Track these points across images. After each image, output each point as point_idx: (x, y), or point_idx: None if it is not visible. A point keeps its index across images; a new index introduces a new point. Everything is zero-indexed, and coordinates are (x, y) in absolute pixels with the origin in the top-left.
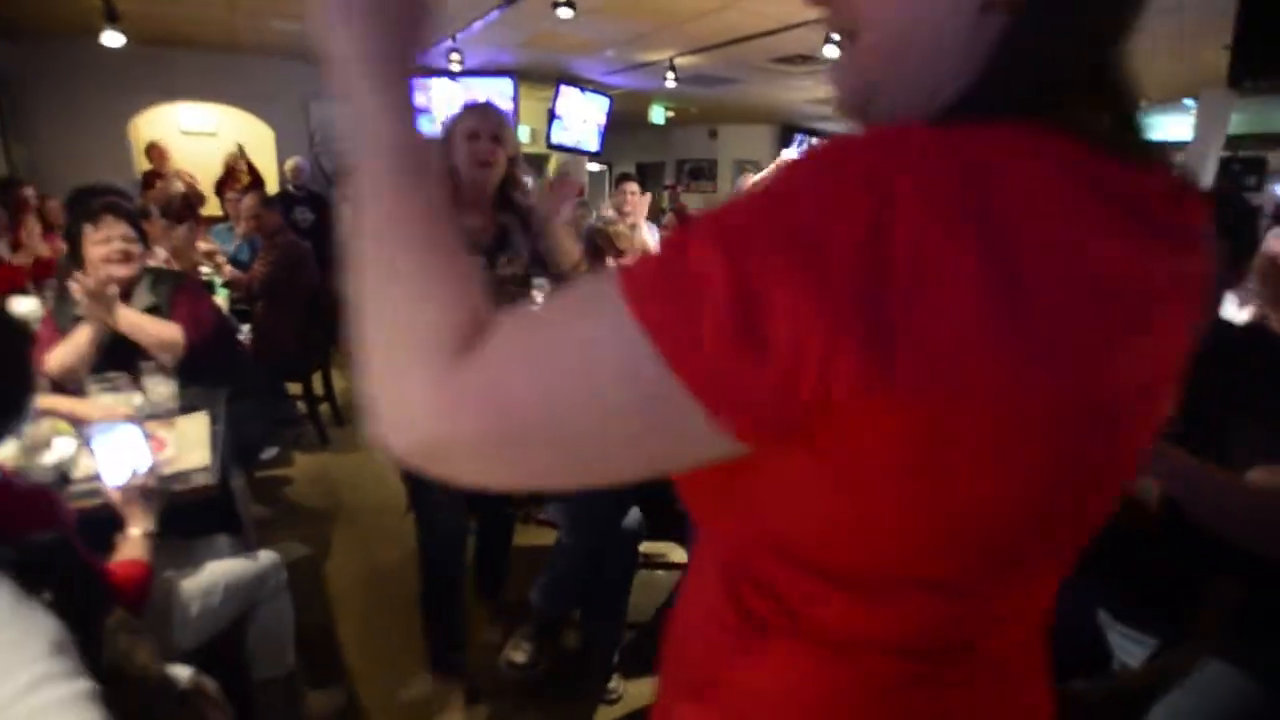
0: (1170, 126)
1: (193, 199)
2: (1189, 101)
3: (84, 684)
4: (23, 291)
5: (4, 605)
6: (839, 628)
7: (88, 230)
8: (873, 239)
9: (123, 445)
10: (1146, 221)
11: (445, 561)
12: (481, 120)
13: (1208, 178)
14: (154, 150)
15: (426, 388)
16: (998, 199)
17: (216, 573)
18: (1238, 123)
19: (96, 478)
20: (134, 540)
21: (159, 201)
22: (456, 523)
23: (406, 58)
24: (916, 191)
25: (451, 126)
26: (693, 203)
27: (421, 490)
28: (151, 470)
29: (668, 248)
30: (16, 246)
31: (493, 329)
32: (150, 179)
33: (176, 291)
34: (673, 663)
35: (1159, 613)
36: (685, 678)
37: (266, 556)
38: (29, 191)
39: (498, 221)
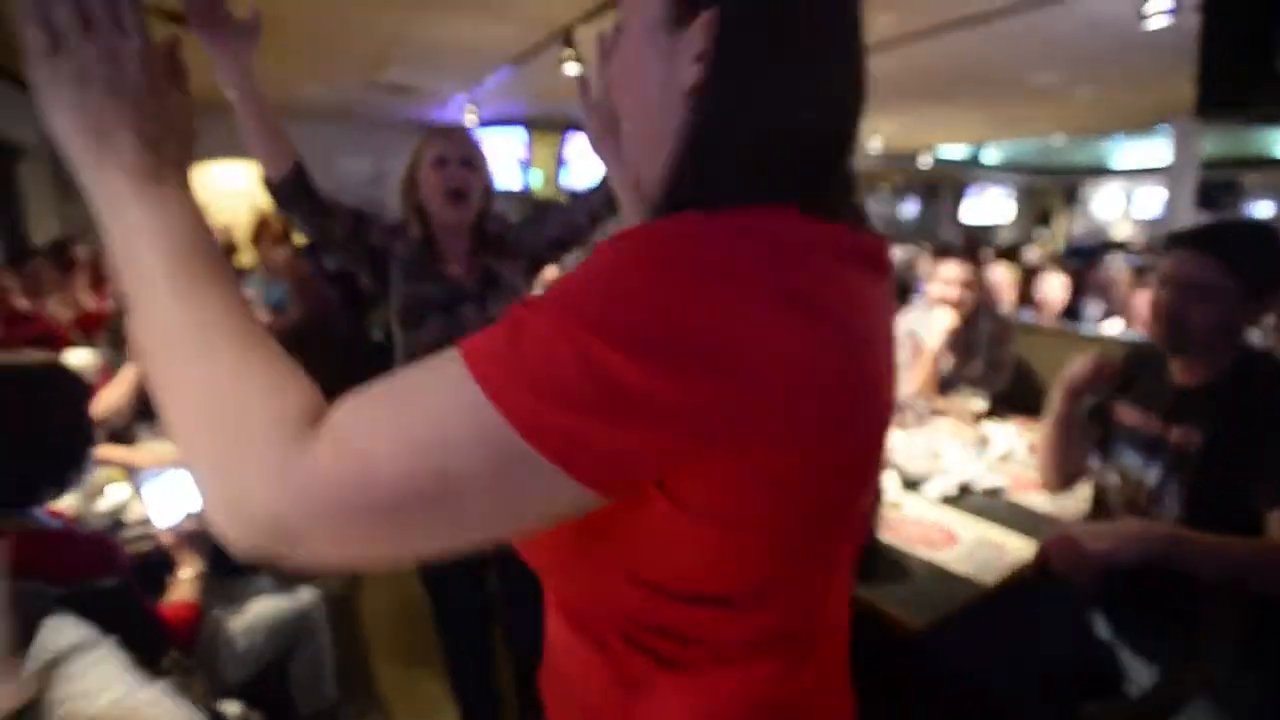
0: (1147, 152)
1: (227, 251)
2: (1165, 127)
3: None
4: (70, 345)
5: (84, 632)
6: (730, 642)
7: None
8: (717, 323)
9: (171, 490)
10: (877, 268)
11: (470, 647)
12: (448, 144)
13: (1186, 201)
14: None
15: (268, 475)
16: (801, 275)
17: (260, 610)
18: (1213, 146)
19: (148, 522)
20: (184, 582)
21: None
22: (473, 600)
23: (175, 167)
24: (748, 273)
25: (415, 154)
26: None
27: (437, 582)
28: (199, 514)
29: (510, 325)
30: (70, 304)
31: (333, 410)
32: None
33: None
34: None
35: (1168, 634)
36: None
37: (307, 594)
38: (79, 250)
39: (481, 264)
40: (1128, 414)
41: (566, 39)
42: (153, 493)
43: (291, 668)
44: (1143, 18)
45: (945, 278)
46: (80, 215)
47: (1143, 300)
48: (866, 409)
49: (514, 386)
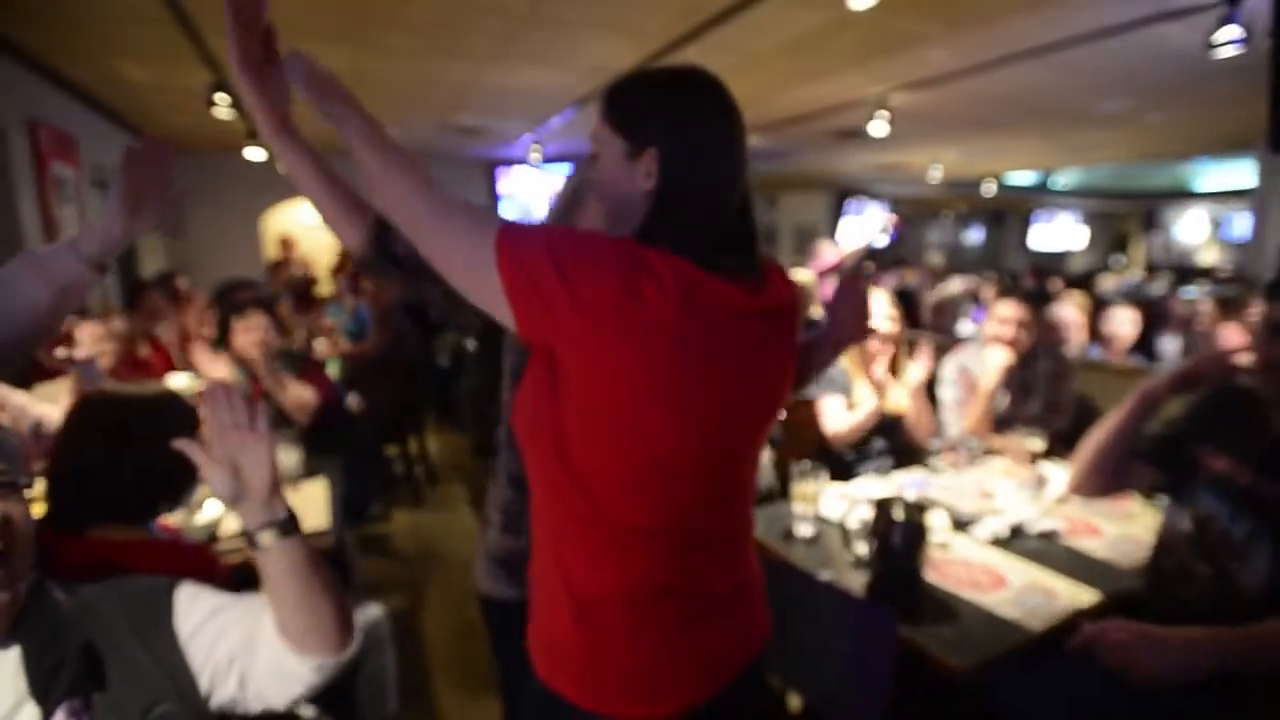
0: (1234, 173)
1: (309, 282)
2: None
3: None
4: (175, 369)
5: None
6: (619, 514)
7: (235, 321)
8: (628, 263)
9: None
10: (732, 301)
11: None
12: None
13: (1276, 227)
14: (285, 242)
15: (424, 201)
16: (662, 264)
17: None
18: None
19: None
20: None
21: (286, 287)
22: None
23: (348, 100)
24: (650, 254)
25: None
26: None
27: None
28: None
29: (525, 233)
30: (183, 333)
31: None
32: (275, 267)
33: (301, 370)
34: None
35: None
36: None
37: (374, 610)
38: (181, 281)
39: None
40: (1215, 460)
41: None
42: None
43: (358, 679)
44: (1212, 47)
45: (1002, 316)
46: (182, 251)
47: (1230, 335)
48: (676, 371)
49: (508, 242)
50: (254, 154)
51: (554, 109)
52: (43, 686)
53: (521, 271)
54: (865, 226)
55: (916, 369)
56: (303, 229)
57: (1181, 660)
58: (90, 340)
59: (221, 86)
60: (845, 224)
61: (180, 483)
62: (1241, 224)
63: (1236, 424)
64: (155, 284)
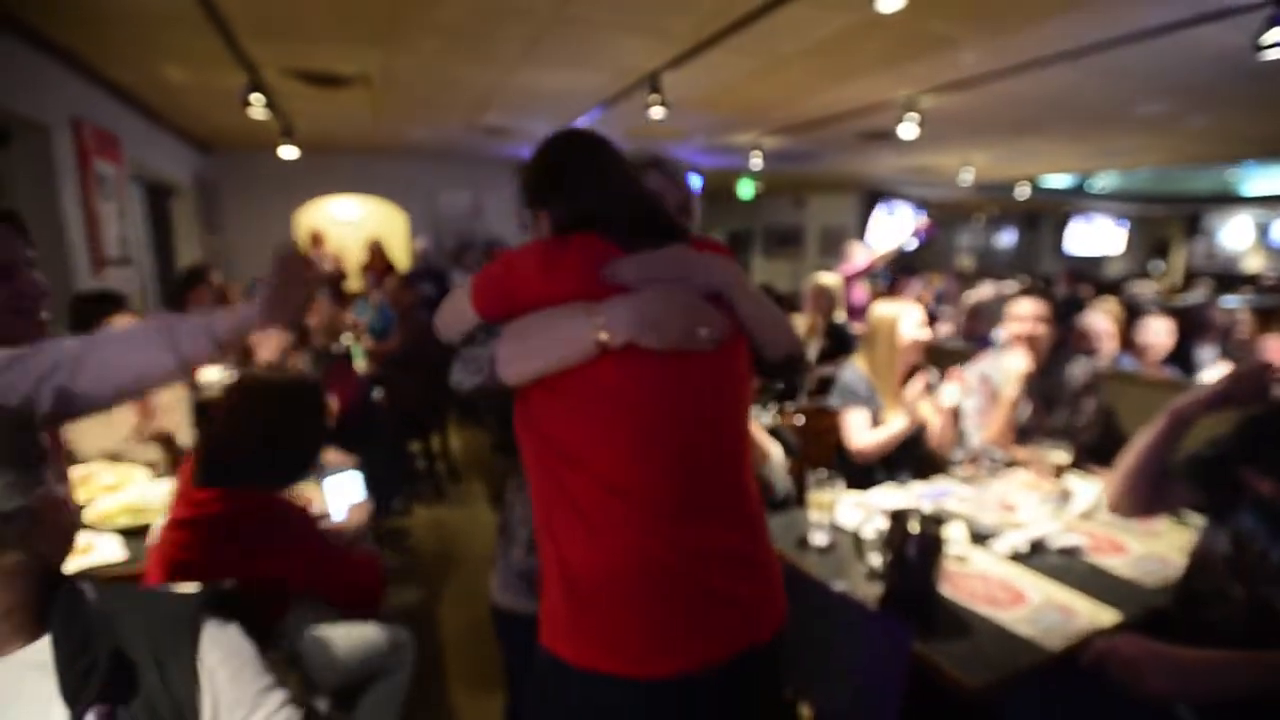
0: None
1: (338, 277)
2: None
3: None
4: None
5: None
6: (595, 475)
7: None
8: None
9: (345, 486)
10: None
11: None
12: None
13: None
14: (315, 236)
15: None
16: (571, 252)
17: (364, 633)
18: None
19: (325, 514)
20: None
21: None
22: None
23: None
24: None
25: None
26: (779, 269)
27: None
28: (364, 505)
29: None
30: None
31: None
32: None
33: (330, 370)
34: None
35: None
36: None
37: (403, 634)
38: (216, 276)
39: None
40: (1259, 481)
41: (653, 85)
42: (331, 488)
43: (368, 693)
44: (1260, 48)
45: (1018, 314)
46: (220, 245)
47: (1271, 346)
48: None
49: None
50: (287, 153)
51: (581, 109)
52: (73, 687)
53: (484, 279)
54: (896, 229)
55: (951, 390)
56: (332, 224)
57: (1200, 681)
58: None
59: (257, 88)
60: (874, 226)
61: (313, 456)
62: None
63: (1275, 446)
64: (192, 277)
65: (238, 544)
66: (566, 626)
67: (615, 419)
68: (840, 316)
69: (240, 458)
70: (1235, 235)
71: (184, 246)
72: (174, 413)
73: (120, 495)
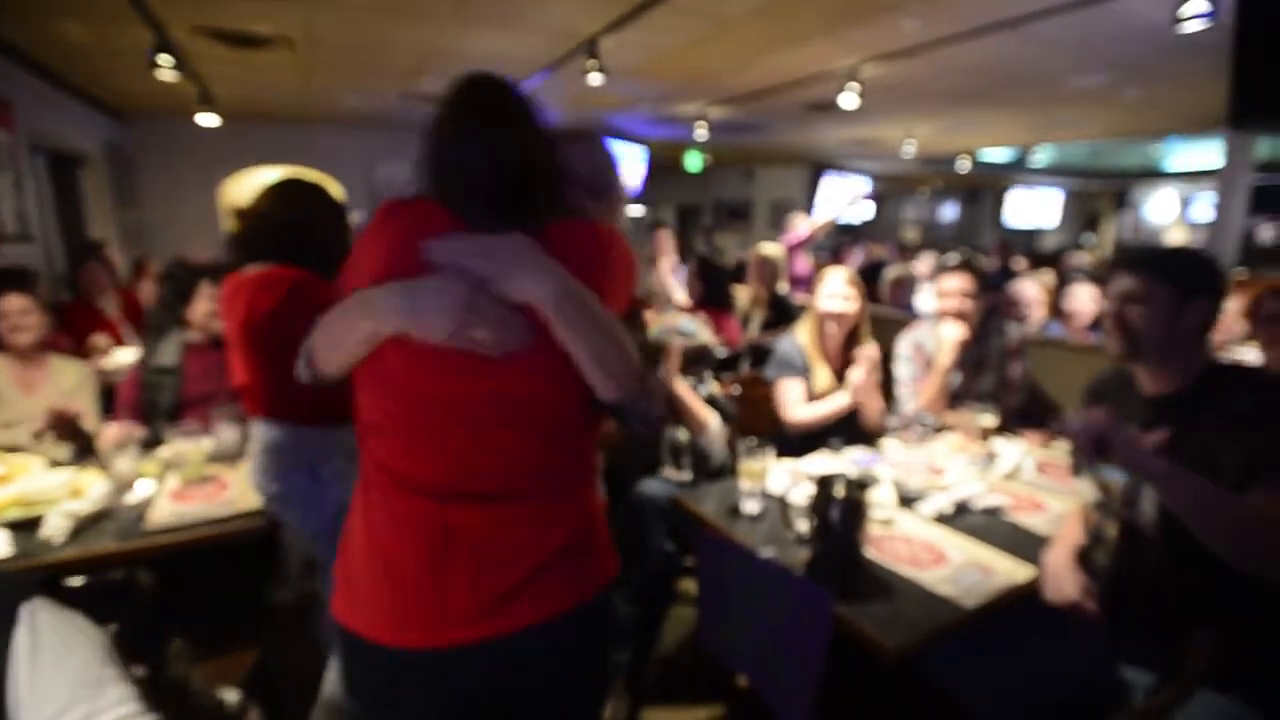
0: (1202, 154)
1: None
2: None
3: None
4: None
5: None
6: (388, 465)
7: (201, 288)
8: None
9: None
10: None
11: None
12: None
13: (1240, 207)
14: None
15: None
16: (392, 226)
17: None
18: (1270, 150)
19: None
20: None
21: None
22: None
23: None
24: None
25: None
26: (729, 243)
27: None
28: None
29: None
30: (128, 301)
31: None
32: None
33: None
34: None
35: (1160, 649)
36: None
37: None
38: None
39: None
40: None
41: (591, 50)
42: None
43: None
44: (1178, 21)
45: (945, 290)
46: (135, 219)
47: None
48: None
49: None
50: (207, 120)
51: (520, 76)
52: None
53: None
54: (836, 199)
55: (856, 371)
56: None
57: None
58: (16, 313)
59: (165, 47)
60: (820, 198)
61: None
62: (1204, 205)
63: (1120, 396)
64: (87, 254)
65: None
66: (341, 585)
67: (390, 405)
68: (783, 287)
69: (274, 237)
70: (1159, 210)
71: (96, 221)
72: (81, 396)
73: (10, 487)
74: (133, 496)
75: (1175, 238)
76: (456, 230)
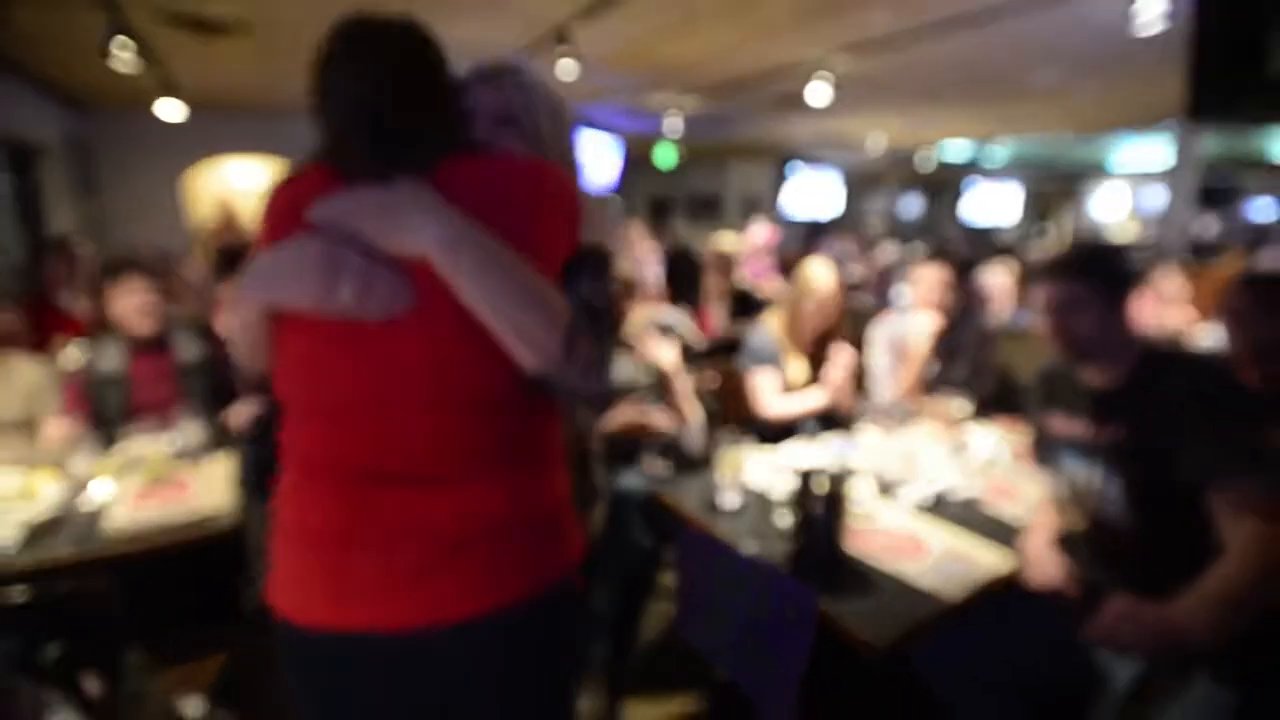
0: (1150, 152)
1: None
2: (1169, 125)
3: None
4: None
5: None
6: (302, 447)
7: (112, 288)
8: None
9: None
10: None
11: None
12: None
13: (1187, 202)
14: (224, 205)
15: None
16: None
17: None
18: (1216, 146)
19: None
20: None
21: (212, 247)
22: None
23: None
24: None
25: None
26: (700, 236)
27: None
28: None
29: None
30: (80, 299)
31: None
32: (216, 233)
33: (214, 338)
34: None
35: None
36: None
37: None
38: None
39: None
40: (1062, 424)
41: (563, 37)
42: None
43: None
44: (1133, 20)
45: (924, 280)
46: (97, 212)
47: (1143, 305)
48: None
49: None
50: (169, 109)
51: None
52: None
53: None
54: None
55: (838, 365)
56: (239, 193)
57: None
58: None
59: (121, 33)
60: (788, 192)
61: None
62: (1153, 197)
63: (1066, 386)
64: (51, 249)
65: None
66: (269, 568)
67: (298, 386)
68: (742, 279)
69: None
70: (1108, 205)
71: (56, 214)
72: (41, 397)
73: None
74: (89, 500)
75: (1125, 234)
76: (339, 189)
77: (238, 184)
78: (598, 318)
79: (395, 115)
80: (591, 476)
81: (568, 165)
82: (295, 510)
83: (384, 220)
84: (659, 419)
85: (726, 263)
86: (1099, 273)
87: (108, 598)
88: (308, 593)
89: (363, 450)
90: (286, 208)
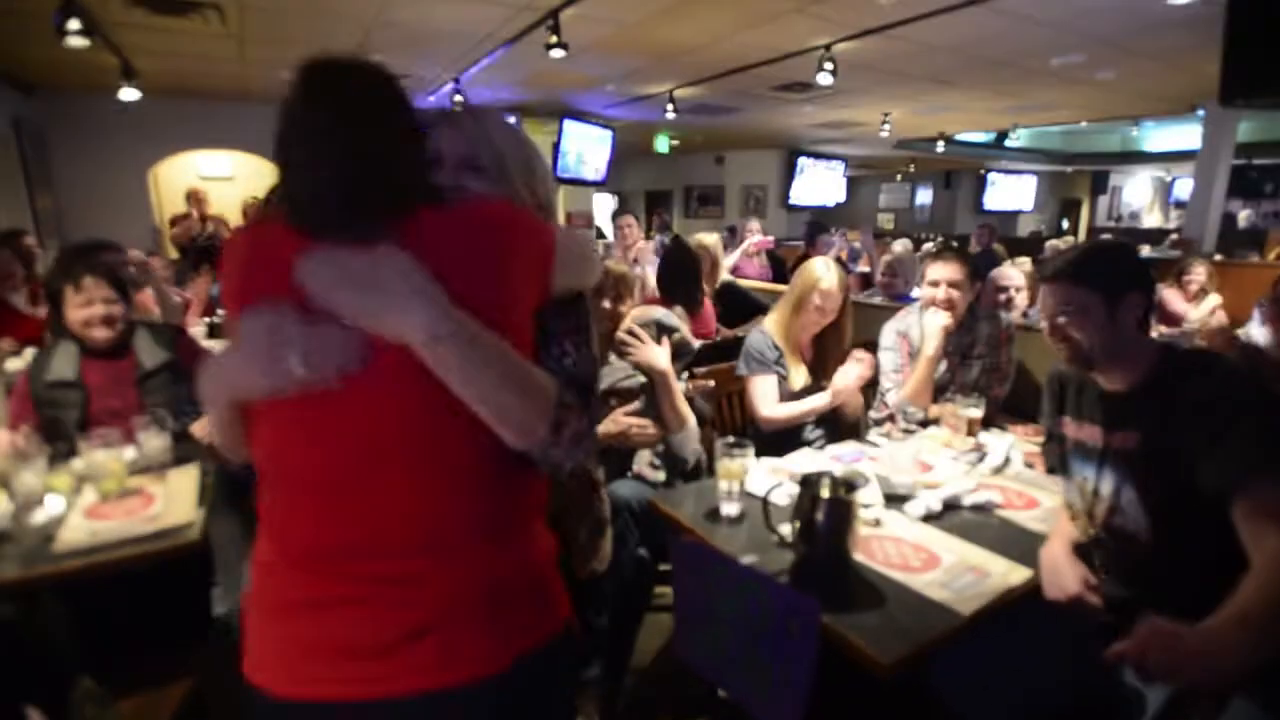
0: (1182, 136)
1: (218, 246)
2: (1198, 112)
3: None
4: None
5: None
6: (273, 522)
7: (69, 293)
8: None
9: None
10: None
11: None
12: None
13: (1220, 189)
14: (193, 196)
15: None
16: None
17: None
18: (1248, 131)
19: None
20: None
21: (180, 241)
22: None
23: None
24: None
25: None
26: (700, 230)
27: None
28: None
29: None
30: (34, 298)
31: None
32: (176, 220)
33: (179, 343)
34: None
35: None
36: None
37: None
38: (31, 240)
39: None
40: (1072, 428)
41: (552, 21)
42: None
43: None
44: None
45: (933, 278)
46: (49, 204)
47: (1169, 298)
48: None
49: None
50: (130, 95)
51: (478, 51)
52: None
53: None
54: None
55: (853, 369)
56: (199, 181)
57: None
58: None
59: (75, 12)
60: (793, 184)
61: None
62: (1185, 187)
63: (1080, 388)
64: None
65: None
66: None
67: (268, 462)
68: (726, 273)
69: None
70: (1136, 193)
71: (3, 206)
72: None
73: None
74: (39, 515)
75: (1154, 220)
76: (298, 245)
77: (205, 173)
78: (584, 389)
79: (365, 167)
80: (597, 507)
81: (536, 203)
82: (272, 585)
83: (368, 299)
84: (643, 433)
85: (708, 259)
86: (1100, 276)
87: (55, 623)
88: (288, 664)
89: (339, 527)
90: (246, 262)
